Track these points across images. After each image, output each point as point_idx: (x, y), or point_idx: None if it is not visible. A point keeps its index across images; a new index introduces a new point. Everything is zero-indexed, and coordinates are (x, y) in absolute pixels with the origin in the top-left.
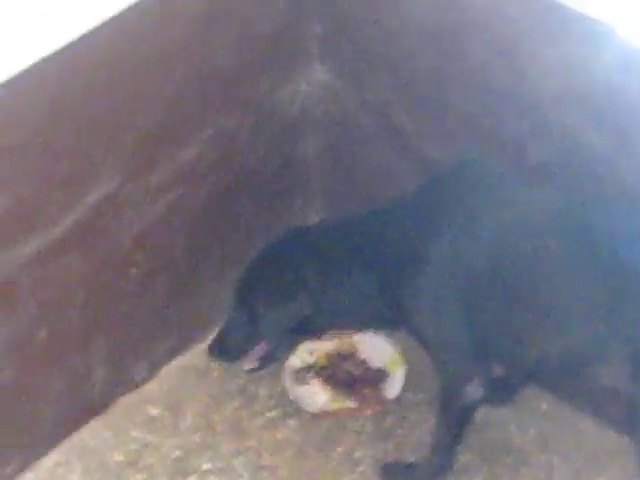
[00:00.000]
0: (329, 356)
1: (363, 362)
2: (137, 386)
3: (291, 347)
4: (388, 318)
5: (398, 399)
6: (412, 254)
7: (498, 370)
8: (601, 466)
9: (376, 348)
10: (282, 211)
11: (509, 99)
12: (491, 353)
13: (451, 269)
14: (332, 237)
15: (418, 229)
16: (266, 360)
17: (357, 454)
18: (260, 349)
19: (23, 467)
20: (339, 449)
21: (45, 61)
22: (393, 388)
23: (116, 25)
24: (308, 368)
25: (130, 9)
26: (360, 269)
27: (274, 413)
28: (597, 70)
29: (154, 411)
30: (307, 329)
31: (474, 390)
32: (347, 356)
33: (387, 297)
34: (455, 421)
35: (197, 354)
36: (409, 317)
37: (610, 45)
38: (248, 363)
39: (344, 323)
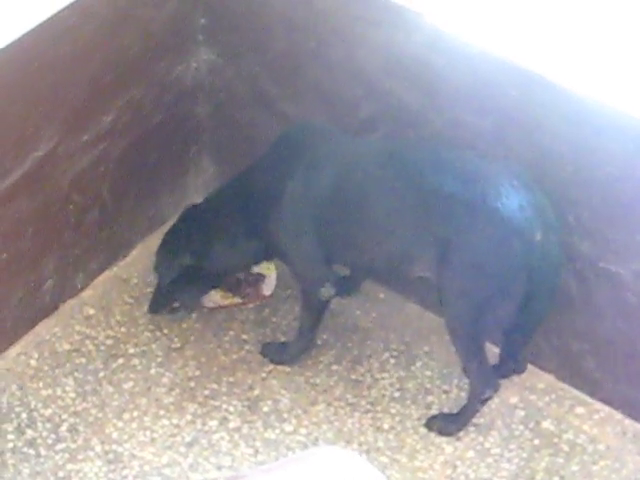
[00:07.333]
0: None
1: None
2: (78, 293)
3: (197, 300)
4: (262, 253)
5: (272, 295)
6: (273, 196)
7: (344, 271)
8: (424, 339)
9: None
10: (181, 158)
11: (345, 70)
12: (338, 260)
13: (304, 202)
14: (214, 204)
15: (275, 177)
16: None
17: (244, 337)
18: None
19: None
20: (230, 333)
21: (3, 52)
22: (269, 287)
23: (49, 26)
24: None
25: (58, 13)
26: (235, 222)
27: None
28: (410, 47)
29: (91, 311)
30: (207, 282)
31: (327, 290)
32: None
33: (258, 236)
34: (315, 311)
35: (121, 267)
36: (276, 245)
37: (420, 28)
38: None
39: (233, 268)
